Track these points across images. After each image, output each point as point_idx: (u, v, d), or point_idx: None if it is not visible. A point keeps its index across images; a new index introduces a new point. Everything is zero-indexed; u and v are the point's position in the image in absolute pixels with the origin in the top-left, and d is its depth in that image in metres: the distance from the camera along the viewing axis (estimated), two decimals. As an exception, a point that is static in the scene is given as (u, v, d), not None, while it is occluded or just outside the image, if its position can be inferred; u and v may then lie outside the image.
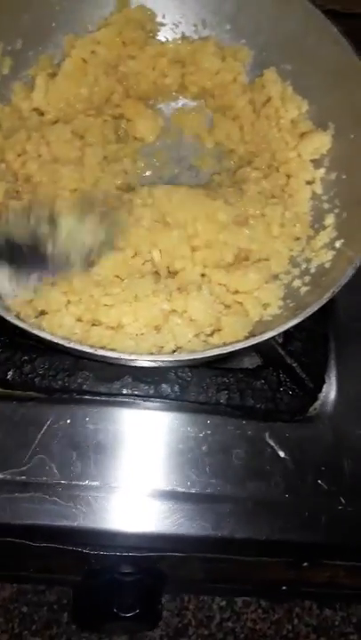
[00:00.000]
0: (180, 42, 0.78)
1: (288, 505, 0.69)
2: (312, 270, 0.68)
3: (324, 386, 0.75)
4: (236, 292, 0.65)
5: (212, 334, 0.63)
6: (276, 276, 0.68)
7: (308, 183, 0.74)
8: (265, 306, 0.66)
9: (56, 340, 0.53)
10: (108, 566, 0.72)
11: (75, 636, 1.21)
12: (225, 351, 0.55)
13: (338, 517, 0.69)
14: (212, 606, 1.25)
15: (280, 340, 0.73)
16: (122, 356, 0.53)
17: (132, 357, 0.54)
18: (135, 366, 0.67)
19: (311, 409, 0.74)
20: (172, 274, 0.65)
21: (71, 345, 0.53)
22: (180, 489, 0.69)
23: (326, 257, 0.67)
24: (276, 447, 0.71)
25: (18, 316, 0.58)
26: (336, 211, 0.71)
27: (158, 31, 0.80)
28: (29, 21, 0.73)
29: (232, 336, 0.62)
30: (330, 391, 0.75)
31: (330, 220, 0.70)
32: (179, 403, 0.72)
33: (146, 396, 0.71)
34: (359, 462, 0.71)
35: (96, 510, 0.68)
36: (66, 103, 0.72)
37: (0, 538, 0.68)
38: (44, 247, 0.55)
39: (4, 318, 0.55)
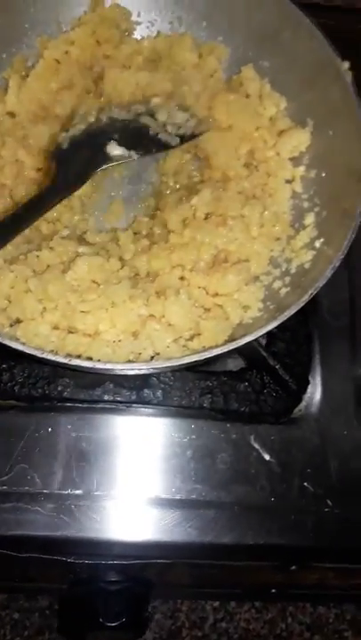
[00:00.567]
0: (155, 39, 0.77)
1: (274, 508, 0.69)
2: (292, 271, 0.67)
3: (309, 387, 0.74)
4: (216, 294, 0.64)
5: (191, 339, 0.62)
6: (256, 278, 0.67)
7: (288, 182, 0.73)
8: (245, 308, 0.64)
9: (29, 352, 0.52)
10: (93, 575, 0.72)
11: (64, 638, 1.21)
12: (203, 357, 0.54)
13: (325, 520, 0.69)
14: (206, 607, 1.25)
15: (263, 342, 0.72)
16: (96, 366, 0.52)
17: (108, 367, 0.53)
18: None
19: (296, 410, 0.73)
20: (151, 277, 0.64)
21: (44, 355, 0.52)
22: (164, 495, 0.68)
23: (306, 257, 0.66)
24: (261, 450, 0.71)
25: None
26: (316, 209, 0.70)
27: (134, 30, 0.78)
28: (3, 23, 0.72)
29: (212, 340, 0.61)
30: (315, 392, 0.74)
31: (310, 218, 0.69)
32: (162, 408, 0.71)
33: (128, 402, 0.71)
34: (345, 464, 0.71)
35: (79, 519, 0.67)
36: (38, 105, 0.70)
37: (-18, 549, 0.67)
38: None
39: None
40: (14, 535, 0.66)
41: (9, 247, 0.61)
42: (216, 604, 1.24)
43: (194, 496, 0.69)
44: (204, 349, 0.58)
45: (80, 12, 0.75)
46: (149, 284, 0.63)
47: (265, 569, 0.78)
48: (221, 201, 0.64)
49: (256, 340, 0.58)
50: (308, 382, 0.74)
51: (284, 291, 0.66)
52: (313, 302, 0.62)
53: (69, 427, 0.70)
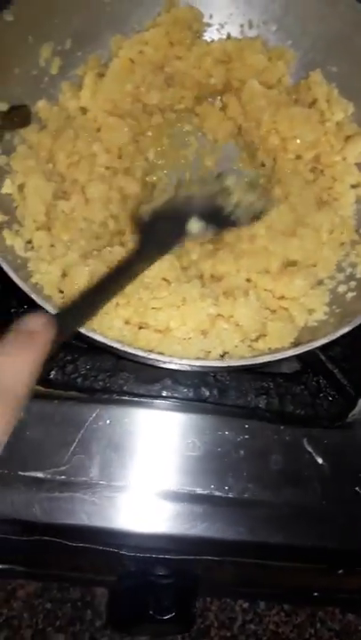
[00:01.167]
0: (225, 41, 0.78)
1: (325, 511, 0.69)
2: (358, 275, 0.67)
3: (365, 392, 0.74)
4: (282, 297, 0.64)
5: (256, 339, 0.62)
6: (320, 281, 0.68)
7: (353, 187, 0.73)
8: (310, 311, 0.65)
9: (110, 344, 0.53)
10: (143, 568, 0.72)
11: (98, 633, 1.22)
12: (274, 359, 0.55)
13: (376, 525, 0.69)
14: (235, 608, 1.25)
15: (321, 346, 0.72)
16: (174, 361, 0.53)
17: (183, 362, 0.54)
18: (177, 369, 0.67)
19: (350, 415, 0.73)
20: (217, 279, 0.65)
21: (125, 348, 0.53)
22: (217, 493, 0.69)
23: (373, 262, 0.66)
24: (313, 453, 0.71)
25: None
26: (381, 215, 0.70)
27: (205, 31, 0.79)
28: (80, 22, 0.73)
29: (278, 342, 0.62)
30: (370, 398, 0.74)
31: (376, 224, 0.69)
32: (217, 406, 0.72)
33: (185, 399, 0.71)
34: None
35: (134, 513, 0.67)
36: (111, 104, 0.71)
37: (39, 537, 0.68)
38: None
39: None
40: (70, 525, 0.67)
41: (82, 242, 0.62)
42: (245, 605, 1.24)
43: (246, 495, 0.69)
44: (273, 351, 0.59)
45: (154, 13, 0.76)
46: (216, 284, 0.64)
47: (311, 571, 0.78)
48: (295, 206, 0.64)
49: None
50: (364, 387, 0.74)
51: (350, 295, 0.66)
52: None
53: (127, 420, 0.70)
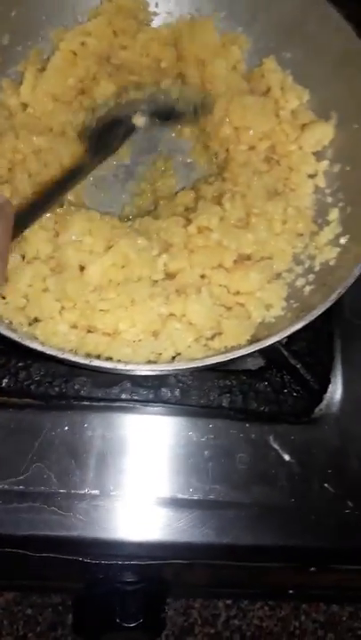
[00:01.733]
0: (174, 23, 0.75)
1: (294, 509, 0.68)
2: (316, 268, 0.65)
3: (330, 386, 0.72)
4: (238, 292, 0.62)
5: (212, 338, 0.60)
6: (278, 275, 0.66)
7: (311, 176, 0.71)
8: (268, 307, 0.63)
9: (48, 352, 0.51)
10: (109, 575, 0.71)
11: (79, 638, 1.21)
12: (227, 358, 0.53)
13: (345, 521, 0.68)
14: (218, 604, 1.24)
15: (283, 341, 0.71)
16: (118, 366, 0.51)
17: (129, 367, 0.52)
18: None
19: (317, 410, 0.72)
20: (170, 276, 0.62)
21: (64, 356, 0.51)
22: (182, 495, 0.67)
23: (331, 254, 0.65)
24: (280, 450, 0.70)
25: (10, 325, 0.56)
26: (340, 205, 0.68)
27: (151, 20, 0.77)
28: (18, 16, 0.71)
29: (234, 339, 0.60)
30: (335, 391, 0.73)
31: (334, 214, 0.68)
32: (180, 407, 0.70)
33: (145, 401, 0.70)
34: (366, 464, 0.69)
35: (96, 519, 0.66)
36: (53, 99, 0.68)
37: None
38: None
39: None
40: (30, 535, 0.65)
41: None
42: (229, 601, 1.23)
43: (212, 496, 0.67)
44: (227, 350, 0.57)
45: (96, 3, 0.73)
46: (169, 282, 0.61)
47: (283, 570, 0.77)
48: (245, 198, 0.62)
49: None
50: (329, 381, 0.72)
51: (308, 289, 0.64)
52: (336, 301, 0.60)
53: (86, 425, 0.69)
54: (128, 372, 0.54)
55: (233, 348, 0.58)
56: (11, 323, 0.58)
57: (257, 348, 0.55)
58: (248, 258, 0.63)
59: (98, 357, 0.56)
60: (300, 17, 0.69)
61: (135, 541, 0.67)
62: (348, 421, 0.71)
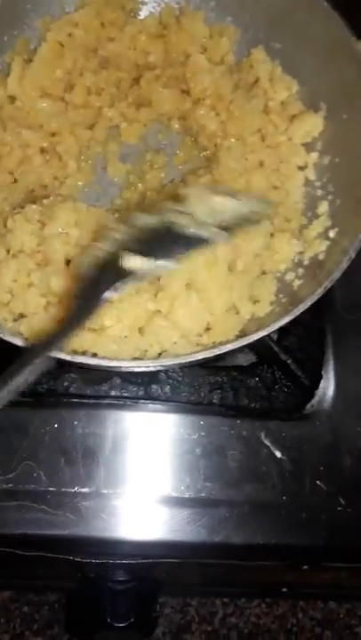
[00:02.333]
0: (161, 12, 0.74)
1: (286, 507, 0.67)
2: (305, 262, 0.65)
3: (322, 382, 0.72)
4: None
5: (200, 334, 0.59)
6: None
7: (301, 168, 0.70)
8: (256, 302, 0.62)
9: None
10: (101, 574, 0.70)
11: (72, 636, 1.20)
12: (212, 354, 0.52)
13: (338, 518, 0.67)
14: (215, 602, 1.24)
15: (275, 336, 0.70)
16: (102, 363, 0.50)
17: (113, 364, 0.51)
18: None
19: (308, 406, 0.71)
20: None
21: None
22: (173, 494, 0.67)
23: (320, 247, 0.64)
24: (272, 447, 0.69)
25: (-6, 321, 0.55)
26: (330, 197, 0.67)
27: (139, 10, 0.75)
28: (2, 4, 0.69)
29: (222, 335, 0.59)
30: (327, 387, 0.72)
31: (323, 207, 0.67)
32: (170, 404, 0.70)
33: (135, 398, 0.69)
34: (359, 461, 0.69)
35: (86, 518, 0.66)
36: (41, 91, 0.67)
37: (-12, 548, 0.66)
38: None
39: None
40: (20, 534, 0.65)
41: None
42: (226, 598, 1.23)
43: (203, 494, 0.67)
44: (214, 345, 0.56)
45: (84, -9, 0.72)
46: (156, 278, 0.60)
47: (276, 568, 0.76)
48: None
49: (268, 334, 0.56)
50: (320, 377, 0.71)
51: (297, 283, 0.63)
52: (327, 295, 0.59)
53: (75, 423, 0.68)
54: (113, 369, 0.53)
55: (221, 344, 0.57)
56: (-5, 319, 0.57)
57: (244, 343, 0.54)
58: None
59: (83, 354, 0.55)
60: (289, 6, 0.68)
61: (126, 540, 0.66)
62: (340, 417, 0.70)
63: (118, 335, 0.57)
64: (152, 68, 0.72)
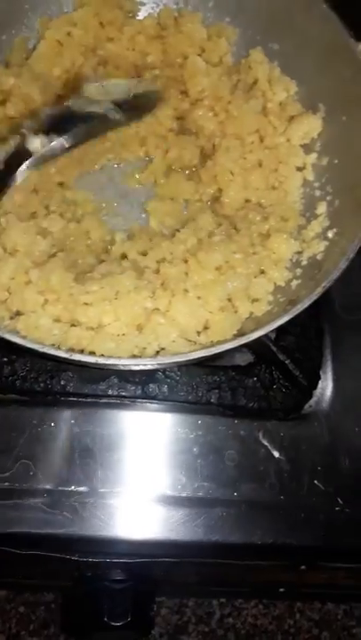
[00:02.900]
0: (160, 12, 0.74)
1: (283, 507, 0.67)
2: (303, 262, 0.65)
3: (320, 382, 0.72)
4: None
5: (198, 333, 0.59)
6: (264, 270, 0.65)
7: (299, 169, 0.70)
8: (254, 301, 0.62)
9: (29, 346, 0.50)
10: (97, 573, 0.70)
11: (68, 636, 1.20)
12: (211, 353, 0.52)
13: (335, 518, 0.67)
14: (212, 602, 1.23)
15: (272, 336, 0.70)
16: (99, 361, 0.50)
17: (110, 362, 0.51)
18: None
19: (306, 406, 0.71)
20: (155, 270, 0.62)
21: (45, 350, 0.50)
22: (170, 493, 0.66)
23: (318, 248, 0.64)
24: (270, 447, 0.69)
25: (-9, 319, 0.55)
26: (328, 198, 0.67)
27: (138, 11, 0.76)
28: (1, 2, 0.70)
29: (220, 334, 0.59)
30: (325, 387, 0.72)
31: (322, 208, 0.67)
32: (168, 403, 0.69)
33: (133, 397, 0.69)
34: (357, 461, 0.69)
35: (83, 517, 0.65)
36: (37, 89, 0.67)
37: (-16, 546, 0.66)
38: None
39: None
40: (16, 532, 0.65)
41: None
42: (223, 599, 1.23)
43: (201, 494, 0.67)
44: (212, 344, 0.56)
45: (83, -9, 0.72)
46: (155, 276, 0.61)
47: (273, 568, 0.76)
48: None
49: (266, 334, 0.56)
50: (318, 377, 0.72)
51: (295, 283, 0.63)
52: (325, 295, 0.59)
53: (72, 422, 0.68)
54: (111, 367, 0.53)
55: (219, 343, 0.57)
56: (-8, 316, 0.57)
57: (242, 342, 0.54)
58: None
59: (81, 352, 0.55)
60: (287, 6, 0.68)
61: (123, 539, 0.66)
62: (338, 418, 0.70)
63: (116, 333, 0.57)
64: (150, 69, 0.72)
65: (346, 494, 0.67)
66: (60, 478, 0.66)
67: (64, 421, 0.67)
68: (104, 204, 0.72)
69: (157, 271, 0.60)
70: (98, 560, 0.69)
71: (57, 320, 0.57)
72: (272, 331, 0.65)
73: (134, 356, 0.56)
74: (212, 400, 0.70)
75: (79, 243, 0.65)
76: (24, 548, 0.67)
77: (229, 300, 0.62)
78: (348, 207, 0.64)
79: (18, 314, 0.58)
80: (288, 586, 0.83)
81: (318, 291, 0.55)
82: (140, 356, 0.56)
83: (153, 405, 0.70)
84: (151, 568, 0.72)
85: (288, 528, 0.67)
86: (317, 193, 0.68)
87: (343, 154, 0.67)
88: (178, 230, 0.65)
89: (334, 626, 1.25)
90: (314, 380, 0.71)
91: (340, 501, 0.67)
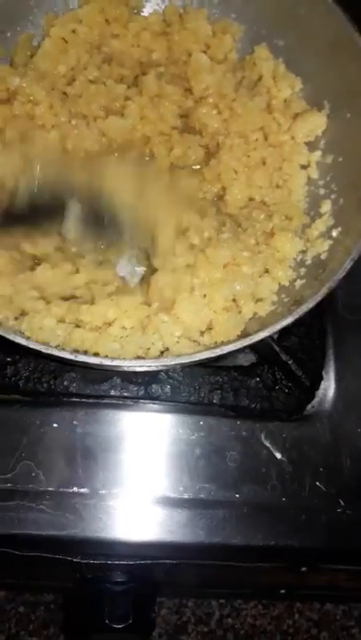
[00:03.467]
0: (165, 9, 0.74)
1: (285, 508, 0.67)
2: (308, 262, 0.64)
3: (322, 383, 0.71)
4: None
5: (202, 333, 0.59)
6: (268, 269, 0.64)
7: (303, 167, 0.70)
8: (258, 301, 0.62)
9: (33, 347, 0.49)
10: (99, 575, 0.70)
11: (69, 637, 1.20)
12: (215, 354, 0.52)
13: (337, 520, 0.67)
14: (212, 603, 1.23)
15: (275, 336, 0.69)
16: (104, 362, 0.50)
17: (115, 363, 0.50)
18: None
19: (308, 407, 0.71)
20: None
21: (49, 351, 0.49)
22: (172, 494, 0.66)
23: (323, 247, 0.63)
24: (272, 448, 0.69)
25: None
26: (333, 196, 0.67)
27: (143, 7, 0.75)
28: (5, 1, 0.69)
29: (224, 335, 0.59)
30: (328, 388, 0.72)
31: (326, 206, 0.66)
32: (170, 404, 0.69)
33: (135, 398, 0.68)
34: (359, 462, 0.69)
35: (85, 518, 0.65)
36: (43, 87, 0.67)
37: (-15, 547, 0.65)
38: None
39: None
40: (18, 534, 0.64)
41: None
42: (222, 599, 1.22)
43: (202, 495, 0.66)
44: (216, 345, 0.56)
45: (87, -12, 0.72)
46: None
47: (275, 570, 0.76)
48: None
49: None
50: (321, 378, 0.71)
51: (299, 283, 0.63)
52: (328, 295, 0.59)
53: (75, 423, 0.67)
54: (115, 368, 0.52)
55: (223, 344, 0.57)
56: (-4, 317, 0.56)
57: (247, 344, 0.53)
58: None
59: (85, 353, 0.55)
60: (293, 2, 0.67)
61: (124, 541, 0.66)
62: (340, 419, 0.70)
63: (120, 334, 0.56)
64: (155, 66, 0.71)
65: (348, 496, 0.67)
66: (61, 479, 0.65)
67: (66, 422, 0.67)
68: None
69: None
70: (99, 562, 0.69)
71: (61, 321, 0.56)
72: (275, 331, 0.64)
73: (138, 357, 0.56)
74: (214, 401, 0.69)
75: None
76: (25, 549, 0.67)
77: (234, 300, 0.61)
78: (353, 206, 0.63)
79: (22, 314, 0.57)
80: (289, 587, 0.82)
81: (323, 291, 0.54)
82: (145, 357, 0.56)
83: (155, 406, 0.69)
84: (153, 570, 0.72)
85: (290, 530, 0.66)
86: (322, 191, 0.68)
87: (348, 152, 0.66)
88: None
89: (333, 626, 1.25)
90: (316, 380, 0.71)
91: (342, 503, 0.67)
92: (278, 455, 0.68)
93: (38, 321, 0.56)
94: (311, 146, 0.70)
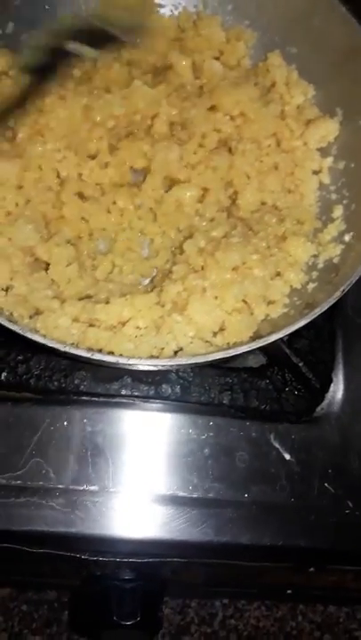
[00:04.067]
0: (180, 18, 0.75)
1: (294, 509, 0.67)
2: (320, 265, 0.65)
3: (332, 385, 0.72)
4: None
5: (215, 334, 0.60)
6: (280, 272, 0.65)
7: (315, 173, 0.70)
8: (270, 304, 0.62)
9: (50, 345, 0.50)
10: (107, 572, 0.70)
11: (75, 634, 1.20)
12: (229, 355, 0.52)
13: (345, 521, 0.67)
14: (215, 603, 1.23)
15: (285, 338, 0.70)
16: (120, 361, 0.51)
17: (131, 362, 0.51)
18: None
19: (318, 409, 0.71)
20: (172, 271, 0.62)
21: (66, 349, 0.50)
22: (181, 493, 0.67)
23: (335, 251, 0.64)
24: (281, 449, 0.69)
25: (10, 317, 0.55)
26: (345, 202, 0.67)
27: (157, 13, 0.76)
28: (21, 4, 0.70)
29: (236, 336, 0.59)
30: (337, 391, 0.72)
31: (338, 211, 0.67)
32: (180, 404, 0.69)
33: (146, 397, 0.69)
34: (368, 464, 0.69)
35: (94, 516, 0.65)
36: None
37: (-5, 544, 0.66)
38: None
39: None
40: (27, 530, 0.65)
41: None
42: (226, 600, 1.23)
43: (211, 495, 0.67)
44: (230, 346, 0.56)
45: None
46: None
47: (282, 570, 0.76)
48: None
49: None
50: (330, 380, 0.72)
51: (311, 286, 0.63)
52: (338, 299, 0.60)
53: (85, 421, 0.68)
54: (130, 367, 0.53)
55: (235, 345, 0.58)
56: (11, 314, 0.57)
57: (259, 345, 0.54)
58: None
59: (99, 352, 0.55)
60: (307, 9, 0.68)
61: (133, 539, 0.66)
62: (349, 421, 0.71)
63: (134, 334, 0.57)
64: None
65: (356, 497, 0.67)
66: (71, 477, 0.66)
67: (77, 420, 0.68)
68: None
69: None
70: (108, 559, 0.69)
71: (75, 320, 0.57)
72: (286, 334, 0.65)
73: (152, 357, 0.56)
74: (224, 401, 0.70)
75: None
76: (35, 546, 0.67)
77: (245, 301, 0.62)
78: (365, 211, 0.64)
79: (37, 313, 0.58)
80: (296, 588, 0.83)
81: (337, 295, 0.55)
82: (159, 357, 0.57)
83: (165, 406, 0.70)
84: (161, 568, 0.72)
85: (298, 530, 0.67)
86: (334, 196, 0.69)
87: (360, 158, 0.67)
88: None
89: (336, 628, 1.25)
90: (326, 382, 0.71)
91: (350, 504, 0.67)
92: (287, 456, 0.69)
93: (53, 320, 0.56)
94: (323, 152, 0.70)
